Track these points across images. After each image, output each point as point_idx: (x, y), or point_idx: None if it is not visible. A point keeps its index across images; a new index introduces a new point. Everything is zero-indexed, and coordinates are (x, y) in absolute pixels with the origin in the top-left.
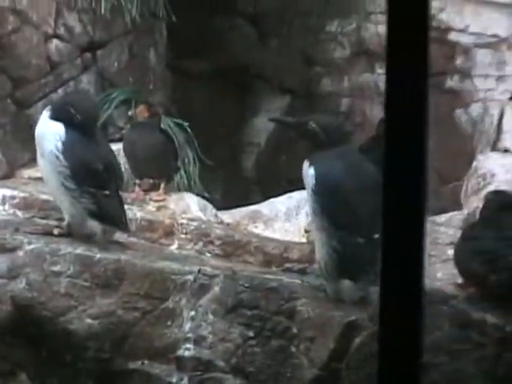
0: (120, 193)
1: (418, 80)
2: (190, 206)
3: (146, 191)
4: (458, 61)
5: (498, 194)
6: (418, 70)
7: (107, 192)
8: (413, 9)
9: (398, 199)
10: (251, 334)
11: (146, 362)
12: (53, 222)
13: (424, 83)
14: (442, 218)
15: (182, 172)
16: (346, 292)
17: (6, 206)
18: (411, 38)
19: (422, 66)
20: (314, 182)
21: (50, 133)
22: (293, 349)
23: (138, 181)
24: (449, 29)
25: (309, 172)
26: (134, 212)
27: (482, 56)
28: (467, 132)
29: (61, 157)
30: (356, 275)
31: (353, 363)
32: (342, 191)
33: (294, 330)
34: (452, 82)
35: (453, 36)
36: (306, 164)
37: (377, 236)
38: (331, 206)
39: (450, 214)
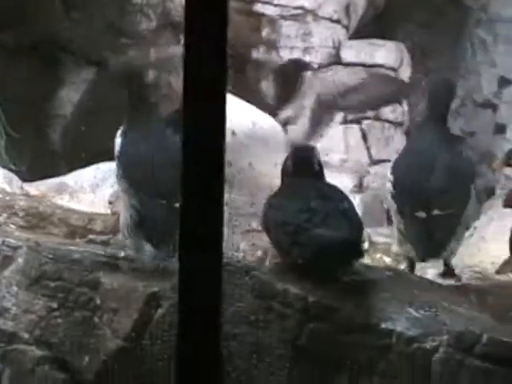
0: None
1: (217, 51)
2: None
3: None
4: (264, 32)
5: (295, 150)
6: (217, 42)
7: None
8: None
9: (196, 168)
10: (55, 305)
11: None
12: None
13: (223, 54)
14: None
15: None
16: (147, 261)
17: None
18: (209, 8)
19: (221, 37)
20: (118, 148)
21: None
22: (96, 320)
23: None
24: (254, 0)
25: (116, 140)
26: None
27: (288, 28)
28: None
29: None
30: (158, 241)
31: (156, 333)
32: (141, 157)
33: (98, 301)
34: (258, 54)
35: (258, 7)
36: (118, 132)
37: (177, 204)
38: (132, 170)
39: None
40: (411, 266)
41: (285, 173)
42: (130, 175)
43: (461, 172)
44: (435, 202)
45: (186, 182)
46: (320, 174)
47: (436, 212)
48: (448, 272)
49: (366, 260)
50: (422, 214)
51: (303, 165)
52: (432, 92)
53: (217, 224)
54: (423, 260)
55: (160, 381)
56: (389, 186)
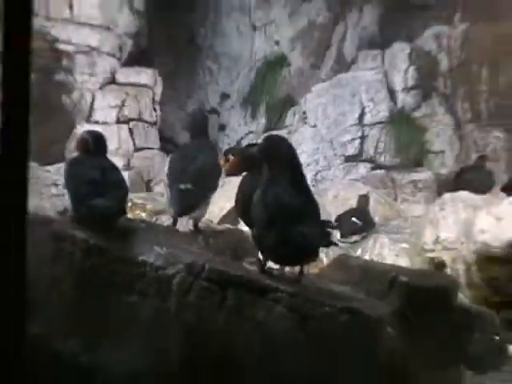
0: None
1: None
2: None
3: None
4: (64, 62)
5: (91, 135)
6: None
7: None
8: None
9: None
10: None
11: None
12: None
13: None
14: None
15: None
16: None
17: None
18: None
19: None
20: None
21: None
22: None
23: None
24: (56, 40)
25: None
26: None
27: (80, 59)
28: (69, 110)
29: None
30: None
31: None
32: None
33: None
34: (59, 76)
35: (60, 45)
36: None
37: None
38: None
39: None
40: (174, 221)
41: (80, 148)
42: None
43: (208, 165)
44: (189, 181)
45: None
46: (105, 155)
47: (188, 186)
48: (196, 230)
49: (129, 215)
50: (181, 187)
51: (98, 146)
52: (192, 119)
53: None
54: (179, 215)
55: None
56: (165, 169)
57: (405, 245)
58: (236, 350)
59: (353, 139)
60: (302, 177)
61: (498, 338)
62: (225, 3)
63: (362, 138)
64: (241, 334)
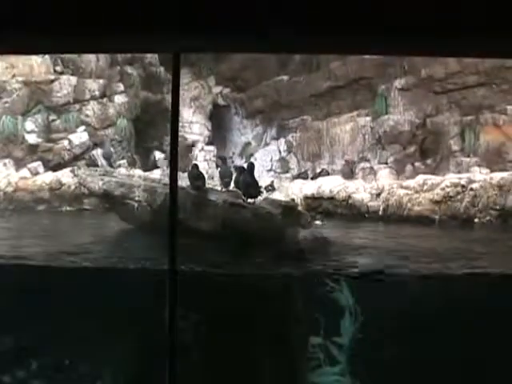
0: None
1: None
2: None
3: None
4: (190, 153)
5: (194, 165)
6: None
7: None
8: None
9: None
10: None
11: None
12: None
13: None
14: None
15: None
16: None
17: None
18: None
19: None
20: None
21: None
22: None
23: None
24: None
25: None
26: None
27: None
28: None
29: None
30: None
31: None
32: None
33: None
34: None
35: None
36: None
37: None
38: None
39: None
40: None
41: (192, 167)
42: None
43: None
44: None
45: None
46: (199, 169)
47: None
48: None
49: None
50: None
51: (196, 166)
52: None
53: None
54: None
55: None
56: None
57: (282, 195)
58: (236, 220)
59: (266, 165)
60: (253, 174)
61: (307, 214)
62: None
63: (271, 166)
64: (239, 216)
